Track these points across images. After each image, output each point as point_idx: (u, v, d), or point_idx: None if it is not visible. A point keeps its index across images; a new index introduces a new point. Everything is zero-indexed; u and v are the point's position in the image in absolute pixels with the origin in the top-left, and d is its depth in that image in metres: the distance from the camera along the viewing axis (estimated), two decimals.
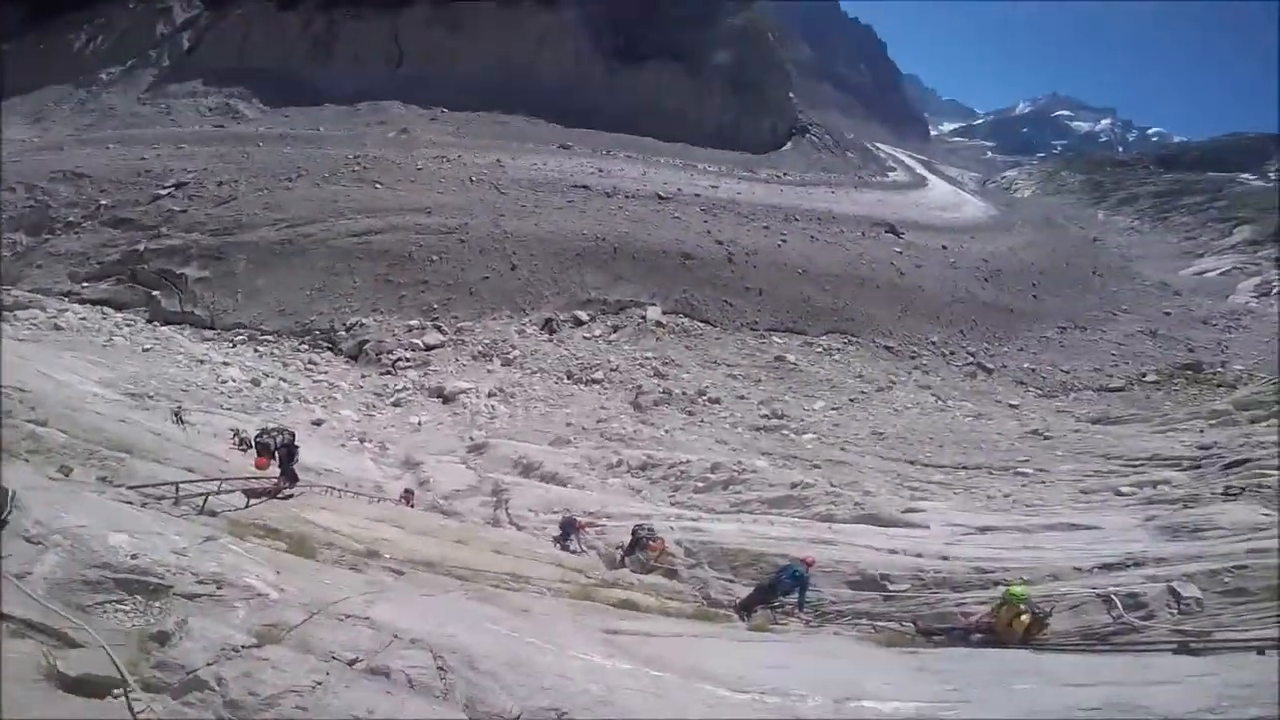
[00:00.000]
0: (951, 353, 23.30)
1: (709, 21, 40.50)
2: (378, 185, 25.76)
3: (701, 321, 22.44)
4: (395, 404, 17.23)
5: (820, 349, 21.71)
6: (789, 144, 41.62)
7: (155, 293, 21.02)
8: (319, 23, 37.47)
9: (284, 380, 17.78)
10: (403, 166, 27.50)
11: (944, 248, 32.32)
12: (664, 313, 22.22)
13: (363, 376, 19.00)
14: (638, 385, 18.03)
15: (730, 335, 21.73)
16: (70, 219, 23.32)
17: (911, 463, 13.94)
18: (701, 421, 16.33)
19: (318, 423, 15.14)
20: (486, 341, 20.10)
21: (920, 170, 51.96)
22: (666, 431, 15.39)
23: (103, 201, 23.99)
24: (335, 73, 35.15)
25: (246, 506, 6.66)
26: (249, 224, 23.25)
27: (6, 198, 24.16)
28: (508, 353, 19.54)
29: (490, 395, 17.48)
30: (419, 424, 15.92)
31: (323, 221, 23.42)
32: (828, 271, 26.34)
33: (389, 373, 19.03)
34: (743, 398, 17.99)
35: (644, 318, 21.71)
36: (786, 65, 45.93)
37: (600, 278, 22.78)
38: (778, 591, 6.15)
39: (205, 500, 6.10)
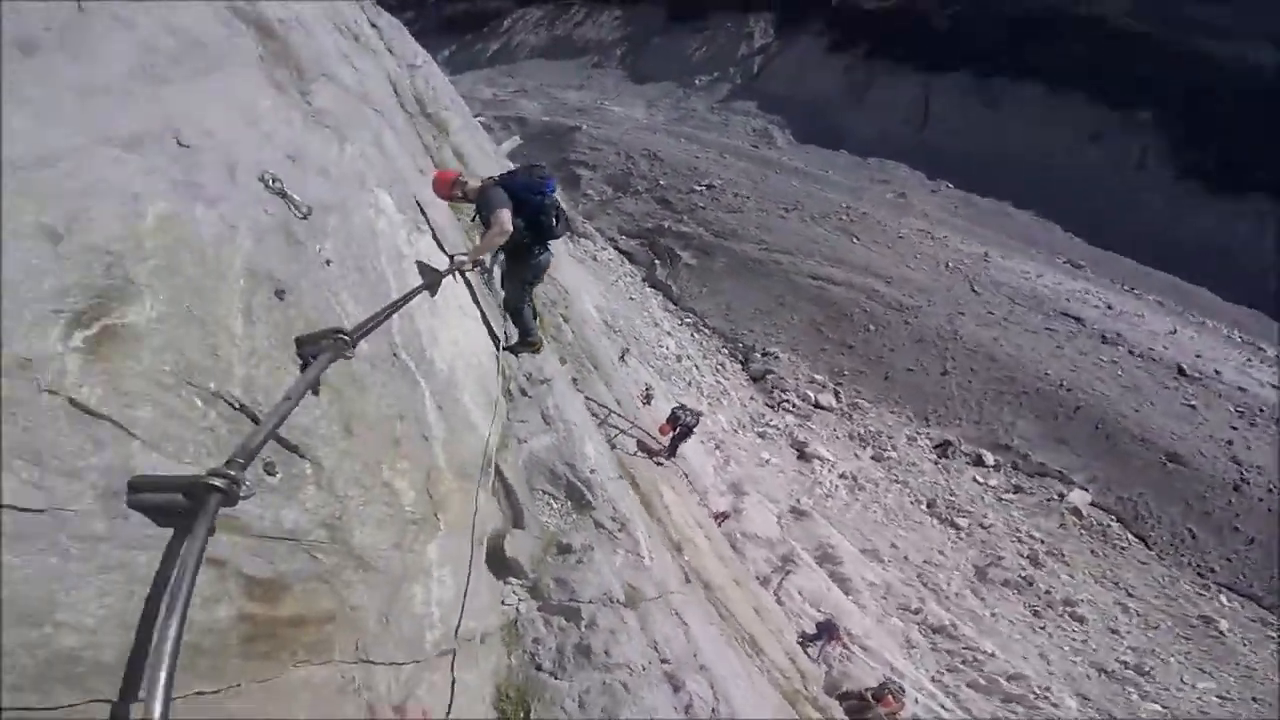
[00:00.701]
0: None
1: None
2: (855, 239, 27.51)
3: (1135, 536, 17.97)
4: (760, 434, 18.99)
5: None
6: None
7: (656, 261, 27.13)
8: (859, 71, 40.51)
9: (696, 368, 21.26)
10: (886, 229, 28.60)
11: None
12: (1091, 503, 18.44)
13: (751, 398, 21.32)
14: (998, 555, 15.86)
15: (1160, 567, 16.94)
16: (637, 188, 31.56)
17: None
18: (1043, 630, 13.70)
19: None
20: (872, 429, 20.24)
21: None
22: (993, 615, 13.49)
23: (660, 181, 31.68)
24: (860, 122, 37.96)
25: (633, 454, 8.02)
26: (740, 236, 27.74)
27: (611, 159, 33.66)
28: (885, 449, 19.36)
29: (841, 476, 17.83)
30: (766, 461, 17.36)
31: (795, 255, 26.37)
32: None
33: (772, 406, 20.89)
34: (1115, 632, 14.21)
35: (1061, 496, 18.53)
36: None
37: (1035, 430, 20.08)
38: None
39: (615, 436, 7.86)
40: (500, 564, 3.06)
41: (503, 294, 5.25)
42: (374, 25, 9.03)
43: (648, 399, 13.73)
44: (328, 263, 2.57)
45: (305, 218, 2.52)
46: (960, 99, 37.61)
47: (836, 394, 21.88)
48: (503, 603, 2.94)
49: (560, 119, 38.11)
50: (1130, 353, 23.43)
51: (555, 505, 3.84)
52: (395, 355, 2.82)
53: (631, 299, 25.46)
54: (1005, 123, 35.69)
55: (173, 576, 1.05)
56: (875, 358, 23.03)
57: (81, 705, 1.09)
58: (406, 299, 2.92)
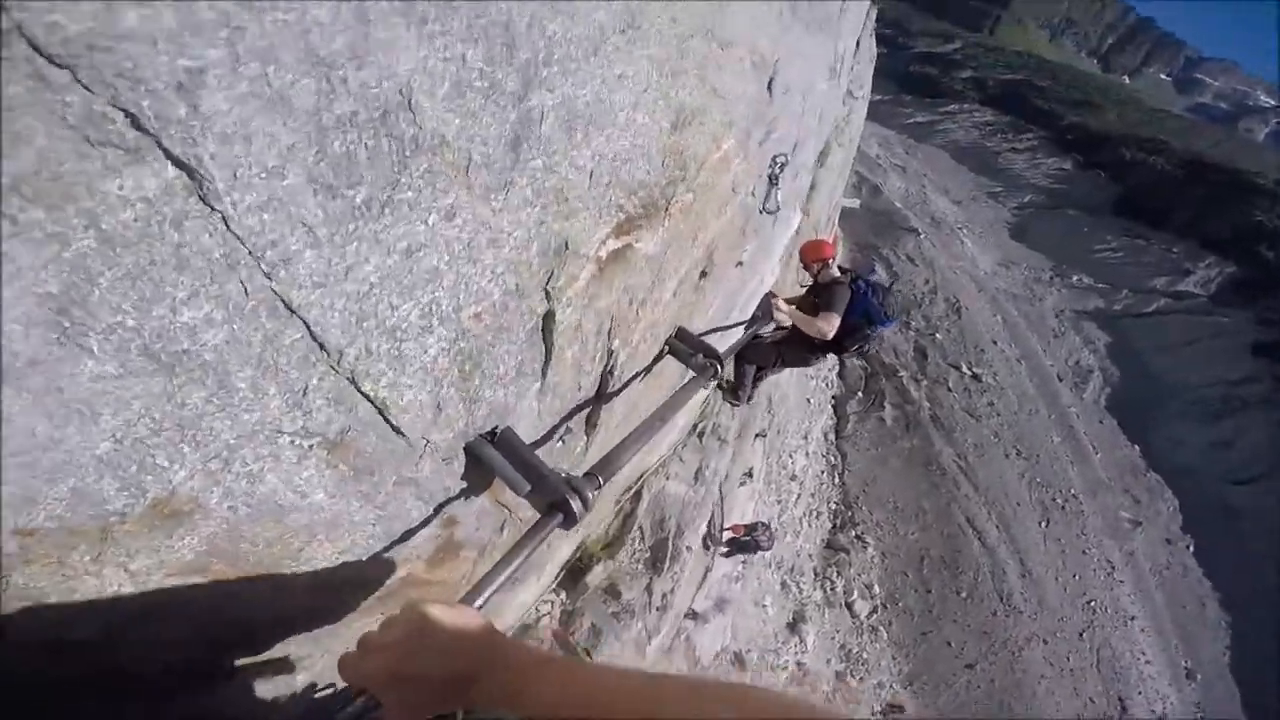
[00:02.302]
0: None
1: None
2: (1042, 526, 26.39)
3: None
4: (782, 583, 20.67)
5: None
6: None
7: (860, 394, 28.55)
8: None
9: (797, 496, 23.09)
10: (1079, 552, 26.60)
11: None
12: None
13: (809, 555, 22.75)
14: None
15: None
16: (913, 323, 32.61)
17: None
18: None
19: None
20: (865, 655, 21.54)
21: None
22: None
23: (937, 336, 32.94)
24: (1196, 442, 33.52)
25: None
26: (953, 439, 28.67)
27: (917, 282, 34.41)
28: (853, 674, 20.46)
29: (799, 664, 19.09)
30: (763, 605, 19.17)
31: (977, 496, 26.52)
32: None
33: (816, 574, 22.18)
34: None
35: None
36: None
37: None
38: None
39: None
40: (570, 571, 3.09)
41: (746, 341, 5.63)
42: (858, 43, 9.73)
43: (743, 482, 16.12)
44: (739, 264, 2.83)
45: (766, 211, 2.70)
46: None
47: (872, 611, 22.17)
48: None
49: (910, 215, 39.03)
50: None
51: (635, 547, 3.81)
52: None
53: (808, 401, 27.21)
54: None
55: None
56: (937, 615, 22.55)
57: None
58: (752, 330, 3.25)
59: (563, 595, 3.70)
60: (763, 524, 11.46)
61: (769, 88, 2.24)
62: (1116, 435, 33.25)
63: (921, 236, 37.51)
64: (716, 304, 2.95)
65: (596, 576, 3.74)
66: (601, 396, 1.78)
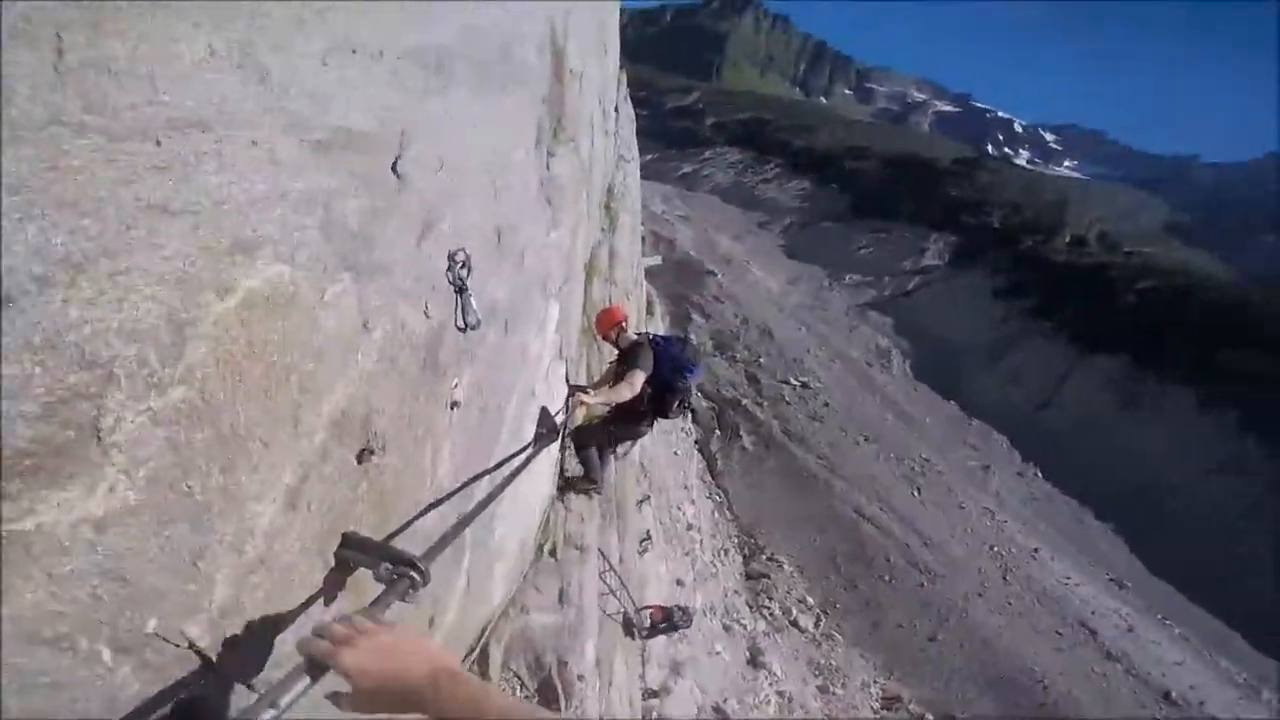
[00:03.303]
0: None
1: None
2: (916, 493, 29.36)
3: None
4: (726, 626, 20.18)
5: None
6: None
7: (717, 432, 29.67)
8: (1012, 325, 44.41)
9: (700, 544, 22.92)
10: (951, 494, 29.96)
11: None
12: None
13: (736, 591, 22.72)
14: None
15: None
16: (736, 354, 35.05)
17: None
18: None
19: None
20: (834, 664, 21.95)
21: None
22: None
23: (760, 359, 35.33)
24: (985, 380, 40.93)
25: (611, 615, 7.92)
26: (808, 445, 30.74)
27: (727, 316, 37.03)
28: (834, 686, 20.42)
29: (779, 693, 18.56)
30: (717, 652, 18.43)
31: (850, 485, 28.70)
32: None
33: (750, 606, 22.20)
34: None
35: None
36: None
37: (992, 714, 20.74)
38: None
39: (604, 595, 7.39)
40: None
41: (578, 425, 5.39)
42: (616, 109, 9.64)
43: (643, 550, 15.60)
44: (454, 405, 2.27)
45: (467, 329, 2.18)
46: (1099, 388, 38.38)
47: (817, 620, 22.57)
48: None
49: (703, 259, 42.61)
50: (1127, 672, 23.09)
51: (519, 694, 3.64)
52: (459, 526, 2.31)
53: (675, 454, 27.74)
54: (1132, 428, 35.93)
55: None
56: (874, 604, 23.58)
57: None
58: (536, 451, 2.81)
59: None
60: (677, 607, 11.51)
61: (394, 169, 1.71)
62: (932, 397, 38.09)
63: (719, 276, 40.93)
64: (443, 467, 2.30)
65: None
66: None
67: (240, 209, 1.16)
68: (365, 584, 1.72)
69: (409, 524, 2.04)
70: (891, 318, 45.25)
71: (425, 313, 1.91)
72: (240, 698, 1.37)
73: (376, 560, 1.53)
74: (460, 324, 2.13)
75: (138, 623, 1.10)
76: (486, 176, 2.40)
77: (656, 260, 39.61)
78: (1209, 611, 28.88)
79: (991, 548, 27.93)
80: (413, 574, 1.45)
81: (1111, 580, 29.36)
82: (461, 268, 2.06)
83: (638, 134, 24.45)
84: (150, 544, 1.08)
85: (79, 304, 0.89)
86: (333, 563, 1.62)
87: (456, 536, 1.81)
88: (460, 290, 2.08)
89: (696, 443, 29.86)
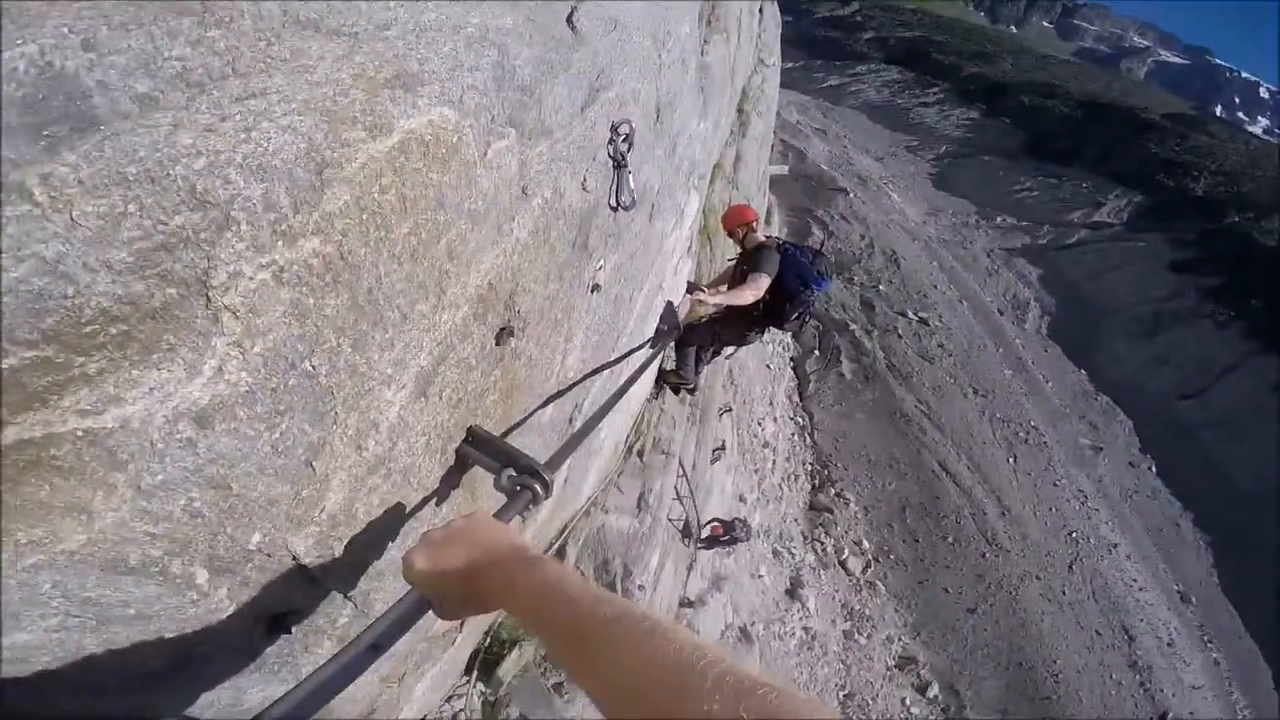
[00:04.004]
0: None
1: None
2: (1012, 460, 27.78)
3: None
4: (774, 551, 20.50)
5: None
6: None
7: (816, 352, 28.98)
8: (1185, 304, 39.28)
9: (773, 464, 23.13)
10: (1050, 470, 28.04)
11: None
12: None
13: (795, 519, 22.87)
14: None
15: None
16: (855, 277, 33.57)
17: None
18: None
19: None
20: (867, 612, 21.85)
21: None
22: None
23: (881, 287, 33.87)
24: (1133, 357, 36.85)
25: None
26: (912, 385, 29.88)
27: (853, 238, 35.20)
28: (859, 633, 20.67)
29: (805, 628, 18.93)
30: (759, 575, 18.87)
31: (944, 437, 27.60)
32: None
33: (805, 536, 22.23)
34: None
35: None
36: None
37: (996, 696, 20.09)
38: None
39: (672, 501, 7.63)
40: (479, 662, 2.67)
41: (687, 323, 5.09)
42: (761, 10, 9.36)
43: (715, 459, 15.70)
44: (594, 289, 2.14)
45: (618, 209, 2.05)
46: (1263, 390, 33.68)
47: (866, 565, 22.31)
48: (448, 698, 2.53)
49: (837, 176, 40.01)
50: (1141, 685, 21.89)
51: None
52: (570, 421, 2.45)
53: (768, 366, 27.21)
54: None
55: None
56: (928, 563, 22.95)
57: None
58: (658, 349, 2.65)
59: (481, 687, 3.08)
60: (740, 520, 11.35)
61: (569, 21, 1.55)
62: (1063, 362, 34.90)
63: (851, 195, 38.46)
64: (571, 356, 2.13)
65: (513, 664, 3.18)
66: None
67: (406, 36, 0.99)
68: (479, 483, 1.67)
69: (527, 417, 1.89)
70: (1041, 269, 41.28)
71: (583, 185, 1.76)
72: (334, 606, 1.29)
73: (499, 465, 1.41)
74: (613, 202, 1.98)
75: (240, 539, 0.93)
76: (653, 47, 2.22)
77: (783, 170, 37.70)
78: (1256, 639, 25.69)
79: (1070, 533, 26.14)
80: (536, 486, 1.33)
81: (1179, 592, 26.66)
82: (624, 141, 1.89)
83: (781, 40, 22.63)
84: (262, 441, 0.88)
85: (193, 130, 0.68)
86: (452, 460, 1.48)
87: (580, 443, 1.69)
88: (619, 165, 1.91)
89: (792, 360, 29.16)
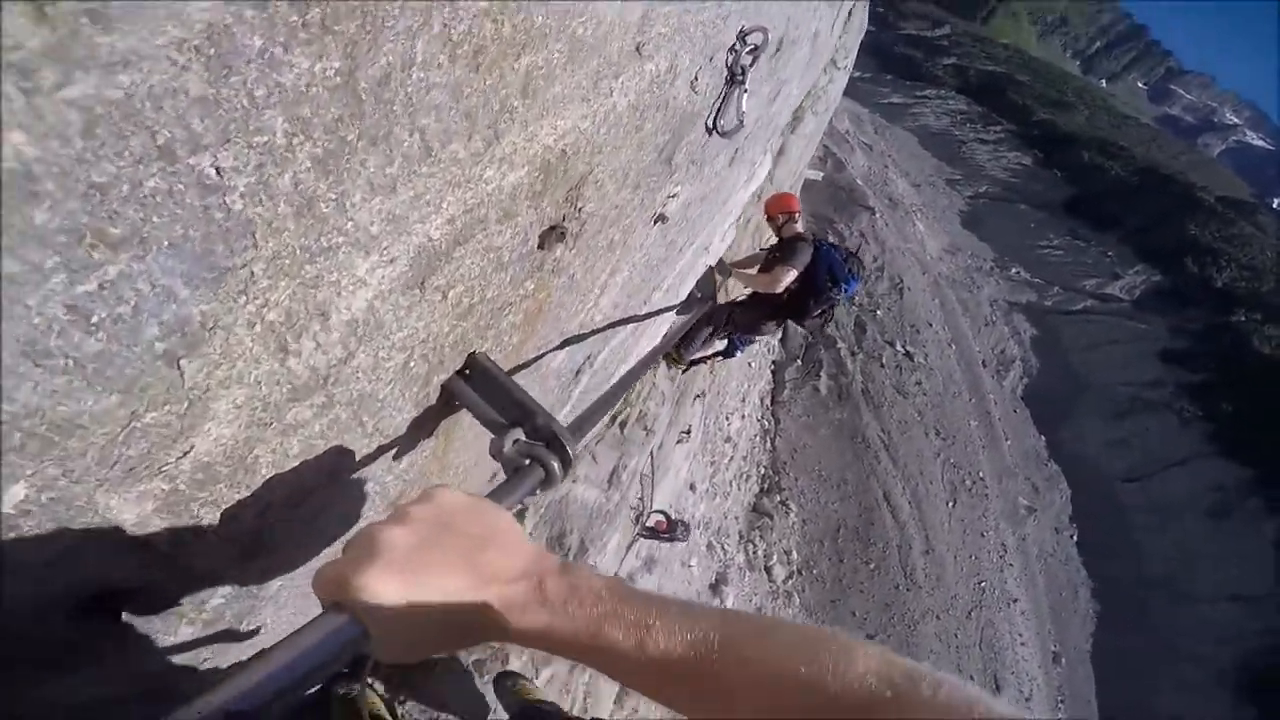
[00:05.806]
0: None
1: None
2: (952, 504, 29.38)
3: None
4: (708, 545, 22.56)
5: None
6: None
7: (799, 361, 30.60)
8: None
9: (729, 459, 24.86)
10: (984, 536, 29.79)
11: None
12: None
13: (736, 517, 24.69)
14: None
15: None
16: (856, 298, 34.08)
17: None
18: None
19: None
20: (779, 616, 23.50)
21: None
22: None
23: (878, 313, 34.95)
24: (1098, 437, 37.33)
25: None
26: (881, 415, 31.26)
27: (865, 258, 36.35)
28: None
29: None
30: (688, 565, 21.00)
31: (899, 473, 29.16)
32: None
33: (741, 535, 24.20)
34: None
35: None
36: None
37: None
38: None
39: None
40: None
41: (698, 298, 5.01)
42: (850, 13, 9.21)
43: (679, 441, 16.94)
44: (658, 220, 1.85)
45: (715, 132, 1.72)
46: (1203, 488, 35.43)
47: (789, 576, 24.44)
48: None
49: (869, 193, 40.74)
50: None
51: None
52: (577, 374, 2.21)
53: (749, 365, 28.80)
54: (1204, 534, 33.68)
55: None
56: (846, 584, 25.08)
57: None
58: (689, 319, 2.50)
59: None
60: (683, 522, 12.70)
61: None
62: (1027, 425, 36.63)
63: (876, 215, 39.34)
64: (609, 295, 1.84)
65: None
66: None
67: None
68: (455, 438, 1.28)
69: (541, 356, 1.57)
70: (1038, 330, 42.54)
71: (693, 85, 1.50)
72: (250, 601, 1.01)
73: (505, 421, 0.98)
74: (711, 123, 1.69)
75: None
76: None
77: (818, 176, 38.12)
78: (1101, 704, 28.30)
79: (980, 583, 28.18)
80: (554, 461, 0.93)
81: (1054, 652, 28.98)
82: (749, 53, 1.60)
83: (860, 49, 23.07)
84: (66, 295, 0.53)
85: None
86: (434, 399, 1.07)
87: (609, 408, 1.34)
88: (736, 80, 1.64)
89: (774, 363, 30.69)
